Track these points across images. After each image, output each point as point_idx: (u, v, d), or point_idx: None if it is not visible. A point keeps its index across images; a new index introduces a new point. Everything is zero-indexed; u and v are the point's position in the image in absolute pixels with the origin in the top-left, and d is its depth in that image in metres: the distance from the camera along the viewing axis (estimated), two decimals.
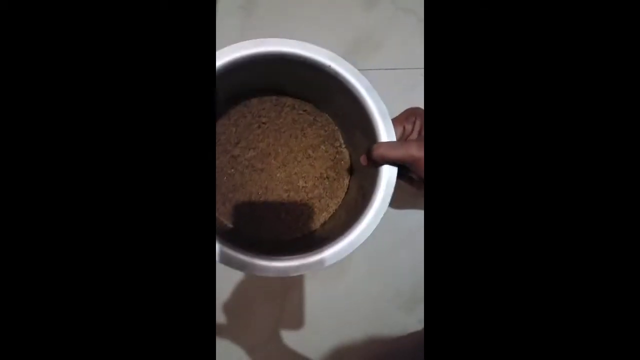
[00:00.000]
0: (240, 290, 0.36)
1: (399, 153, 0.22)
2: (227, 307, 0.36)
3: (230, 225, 0.27)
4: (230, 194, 0.27)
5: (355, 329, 0.36)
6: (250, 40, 0.22)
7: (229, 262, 0.21)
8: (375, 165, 0.23)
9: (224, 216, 0.27)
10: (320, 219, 0.29)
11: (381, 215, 0.23)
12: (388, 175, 0.23)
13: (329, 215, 0.29)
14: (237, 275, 0.36)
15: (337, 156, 0.30)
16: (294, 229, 0.28)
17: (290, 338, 0.36)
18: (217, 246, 0.21)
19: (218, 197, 0.27)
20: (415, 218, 0.37)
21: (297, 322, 0.36)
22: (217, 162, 0.27)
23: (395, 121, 0.24)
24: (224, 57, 0.22)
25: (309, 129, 0.30)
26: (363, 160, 0.24)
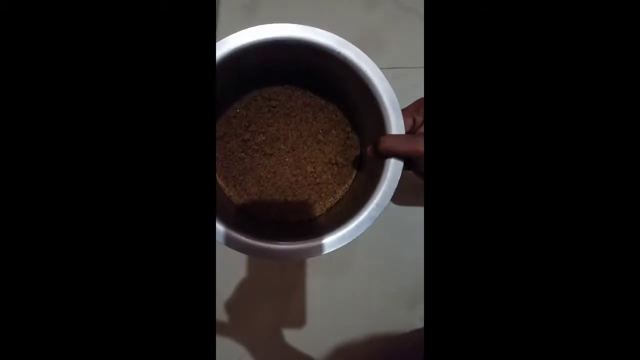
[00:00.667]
0: (242, 288, 0.37)
1: (405, 147, 0.22)
2: (229, 305, 0.36)
3: (239, 206, 0.28)
4: (240, 177, 0.28)
5: (358, 326, 0.36)
6: (261, 26, 0.22)
7: (229, 243, 0.22)
8: (381, 157, 0.23)
9: (233, 197, 0.28)
10: (326, 204, 0.30)
11: (382, 208, 0.23)
12: (394, 168, 0.23)
13: (335, 201, 0.30)
14: (239, 273, 0.37)
15: (347, 142, 0.30)
16: (300, 212, 0.29)
17: (292, 336, 0.37)
18: (221, 227, 0.22)
19: (229, 180, 0.28)
20: (417, 214, 0.37)
21: (299, 319, 0.36)
22: (229, 145, 0.28)
23: (405, 112, 0.23)
24: (234, 41, 0.22)
25: (321, 112, 0.29)
26: (369, 151, 0.24)
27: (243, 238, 0.22)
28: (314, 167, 0.29)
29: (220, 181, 0.28)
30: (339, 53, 0.22)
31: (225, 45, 0.22)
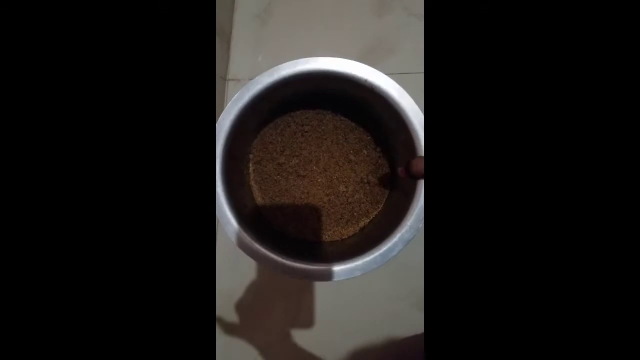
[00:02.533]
0: (254, 290, 0.37)
1: None
2: (241, 307, 0.36)
3: (276, 226, 0.30)
4: (277, 198, 0.30)
5: (369, 327, 0.36)
6: (291, 61, 0.24)
7: (255, 256, 0.23)
8: (413, 179, 0.23)
9: (270, 217, 0.30)
10: (360, 223, 0.30)
11: (415, 230, 0.23)
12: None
13: (369, 221, 0.30)
14: (251, 275, 0.37)
15: (378, 161, 0.30)
16: (334, 232, 0.30)
17: (304, 337, 0.36)
18: (251, 242, 0.23)
19: (266, 201, 0.30)
20: None
21: (310, 321, 0.36)
22: (265, 169, 0.30)
23: None
24: (269, 77, 0.24)
25: (351, 134, 0.30)
26: (401, 172, 0.24)
27: (260, 248, 0.24)
28: (346, 187, 0.30)
29: (258, 202, 0.30)
30: (365, 80, 0.23)
31: (259, 82, 0.24)
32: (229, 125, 0.24)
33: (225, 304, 0.37)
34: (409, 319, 0.35)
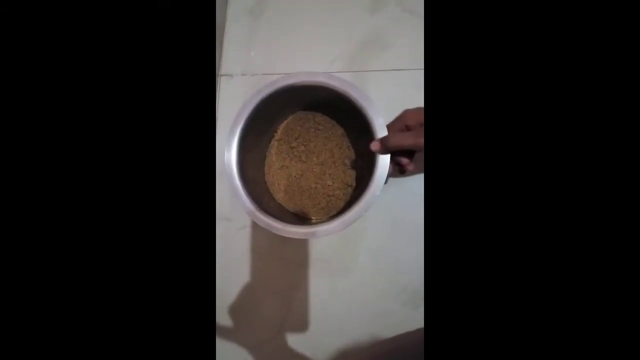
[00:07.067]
0: (246, 292, 0.37)
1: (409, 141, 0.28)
2: (232, 309, 0.37)
3: (271, 191, 0.39)
4: (278, 170, 0.39)
5: (361, 326, 0.36)
6: (301, 72, 0.32)
7: (245, 209, 0.32)
8: (386, 152, 0.30)
9: (269, 183, 0.39)
10: (330, 213, 0.36)
11: (369, 206, 0.29)
12: (377, 181, 0.29)
13: (337, 213, 0.36)
14: (243, 277, 0.38)
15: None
16: (312, 212, 0.37)
17: (295, 338, 0.36)
18: (245, 198, 0.32)
19: (271, 170, 0.39)
20: (420, 214, 0.36)
21: (302, 322, 0.36)
22: (280, 147, 0.39)
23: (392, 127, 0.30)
24: (284, 80, 0.32)
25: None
26: (374, 146, 0.30)
27: (252, 208, 0.32)
28: (332, 182, 0.37)
29: (265, 168, 0.39)
30: (344, 91, 0.30)
31: (276, 83, 0.32)
32: (254, 106, 0.32)
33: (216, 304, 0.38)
34: (400, 317, 0.36)
